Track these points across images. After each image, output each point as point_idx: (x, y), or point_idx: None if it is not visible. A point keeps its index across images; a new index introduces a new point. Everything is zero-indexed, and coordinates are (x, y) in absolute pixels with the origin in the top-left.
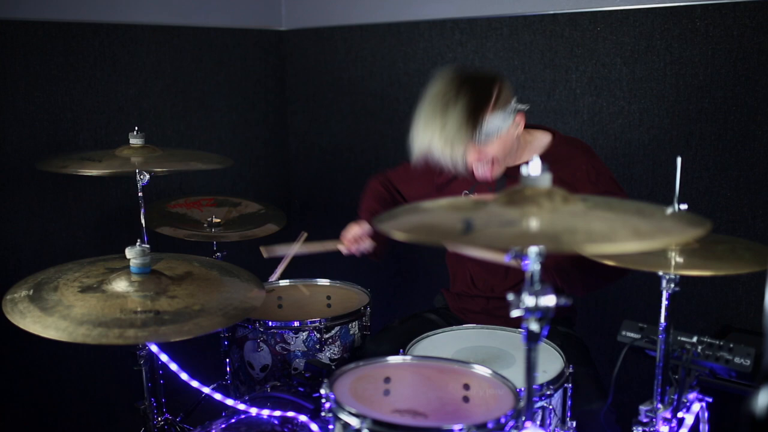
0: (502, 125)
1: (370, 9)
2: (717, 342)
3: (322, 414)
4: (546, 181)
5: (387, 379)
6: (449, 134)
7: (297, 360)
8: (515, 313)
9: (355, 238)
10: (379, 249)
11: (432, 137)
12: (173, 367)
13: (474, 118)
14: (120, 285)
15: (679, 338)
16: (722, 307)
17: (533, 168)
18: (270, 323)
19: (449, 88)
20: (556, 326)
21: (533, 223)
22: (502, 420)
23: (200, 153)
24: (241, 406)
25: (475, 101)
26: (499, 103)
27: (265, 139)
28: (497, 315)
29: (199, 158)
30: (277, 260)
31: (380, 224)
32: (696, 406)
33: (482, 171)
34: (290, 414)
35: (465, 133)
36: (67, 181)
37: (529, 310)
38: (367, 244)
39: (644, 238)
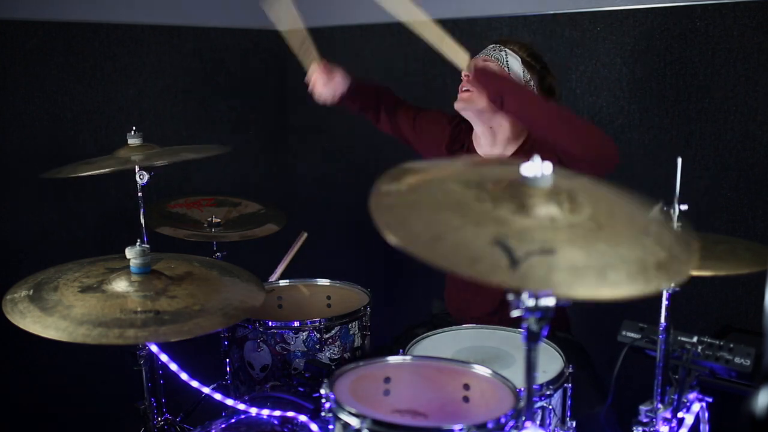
0: (510, 66)
1: (370, 9)
2: (717, 342)
3: (322, 414)
4: (547, 182)
5: (387, 379)
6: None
7: (297, 360)
8: (515, 313)
9: (331, 71)
10: (343, 101)
11: None
12: (173, 367)
13: (511, 45)
14: (120, 285)
15: (679, 338)
16: (722, 307)
17: (534, 168)
18: (270, 323)
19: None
20: (554, 332)
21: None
22: (502, 420)
23: (198, 146)
24: (241, 406)
25: (527, 47)
26: (528, 63)
27: (265, 139)
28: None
29: (195, 150)
30: (277, 260)
31: (389, 232)
32: (696, 406)
33: (460, 95)
34: (290, 414)
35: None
36: (66, 181)
37: (528, 310)
38: (332, 88)
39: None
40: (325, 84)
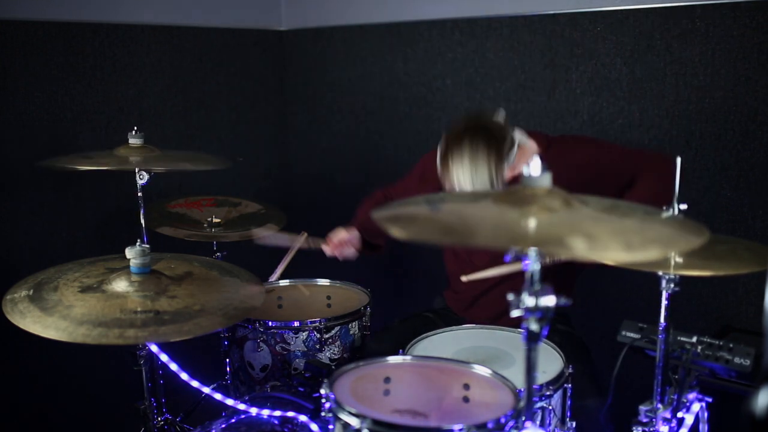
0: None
1: (370, 9)
2: (717, 342)
3: (322, 414)
4: (546, 181)
5: (387, 379)
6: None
7: (297, 360)
8: (515, 313)
9: (340, 242)
10: (368, 251)
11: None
12: (173, 367)
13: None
14: (120, 285)
15: (678, 338)
16: (722, 307)
17: (533, 168)
18: (270, 323)
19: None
20: (555, 324)
21: (531, 224)
22: (502, 420)
23: (197, 154)
24: (241, 406)
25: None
26: (495, 157)
27: (265, 139)
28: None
29: (193, 159)
30: (277, 260)
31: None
32: (696, 406)
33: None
34: (290, 414)
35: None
36: (67, 181)
37: (529, 310)
38: (350, 251)
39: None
40: (345, 250)
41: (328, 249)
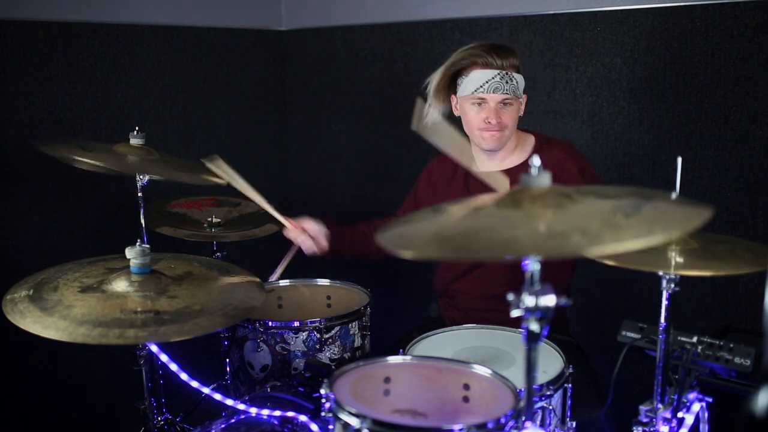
0: (519, 90)
1: (370, 9)
2: (717, 342)
3: (322, 414)
4: (546, 180)
5: (387, 379)
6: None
7: (297, 360)
8: (515, 314)
9: (304, 228)
10: (326, 255)
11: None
12: (173, 367)
13: (510, 61)
14: (120, 285)
15: (679, 338)
16: (722, 307)
17: (534, 165)
18: (270, 323)
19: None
20: (553, 333)
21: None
22: (502, 420)
23: (196, 164)
24: (241, 406)
25: (515, 53)
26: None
27: (265, 139)
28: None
29: (192, 169)
30: (277, 260)
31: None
32: (696, 406)
33: (490, 136)
34: (290, 414)
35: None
36: (67, 180)
37: (529, 310)
38: (308, 243)
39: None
40: (305, 239)
41: (289, 228)
